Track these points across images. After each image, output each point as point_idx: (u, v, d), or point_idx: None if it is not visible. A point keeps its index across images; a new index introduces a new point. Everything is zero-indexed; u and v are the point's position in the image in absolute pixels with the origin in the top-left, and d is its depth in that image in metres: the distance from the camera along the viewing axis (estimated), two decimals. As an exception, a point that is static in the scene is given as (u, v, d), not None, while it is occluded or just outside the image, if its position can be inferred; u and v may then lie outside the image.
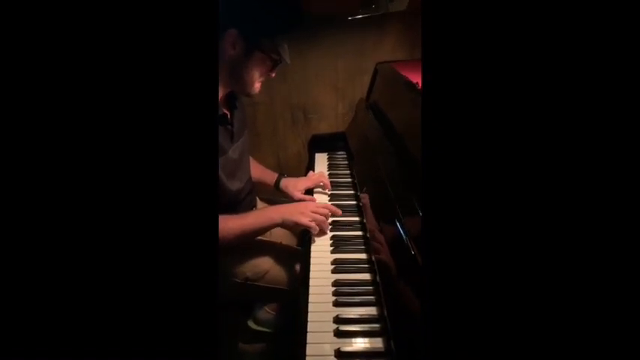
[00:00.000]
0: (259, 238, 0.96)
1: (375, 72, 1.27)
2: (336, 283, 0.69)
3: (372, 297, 0.65)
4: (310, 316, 0.62)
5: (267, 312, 1.18)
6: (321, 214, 0.81)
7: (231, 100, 0.88)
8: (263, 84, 0.81)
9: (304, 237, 0.86)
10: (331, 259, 0.75)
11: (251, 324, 1.19)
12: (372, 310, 0.62)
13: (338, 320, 0.61)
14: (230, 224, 0.77)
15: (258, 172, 1.07)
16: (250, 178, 0.99)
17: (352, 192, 1.03)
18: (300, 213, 0.80)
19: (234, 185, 0.88)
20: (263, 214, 0.81)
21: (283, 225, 0.82)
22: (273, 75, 0.83)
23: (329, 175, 1.15)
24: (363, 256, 0.76)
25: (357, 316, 0.61)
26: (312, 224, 0.79)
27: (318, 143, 1.38)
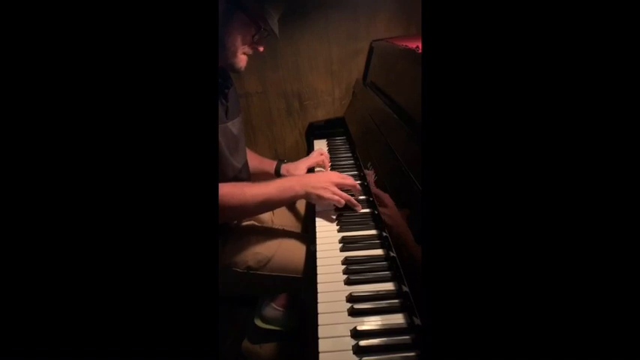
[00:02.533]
0: (261, 224, 0.90)
1: (371, 50, 1.22)
2: (346, 261, 0.63)
3: (386, 272, 0.59)
4: (320, 297, 0.55)
5: (274, 308, 1.12)
6: (347, 185, 0.77)
7: (224, 77, 0.83)
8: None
9: (309, 219, 0.80)
10: (339, 238, 0.70)
11: (258, 322, 1.13)
12: (387, 286, 0.56)
13: (351, 299, 0.54)
14: (251, 191, 0.72)
15: (257, 161, 1.02)
16: (247, 164, 0.94)
17: (356, 172, 0.97)
18: (323, 187, 0.75)
19: (235, 163, 0.83)
20: (286, 185, 0.75)
21: (306, 198, 0.76)
22: (261, 49, 0.78)
23: (330, 159, 1.09)
24: (373, 232, 0.70)
25: (372, 293, 0.55)
26: (336, 198, 0.75)
27: (316, 131, 1.33)
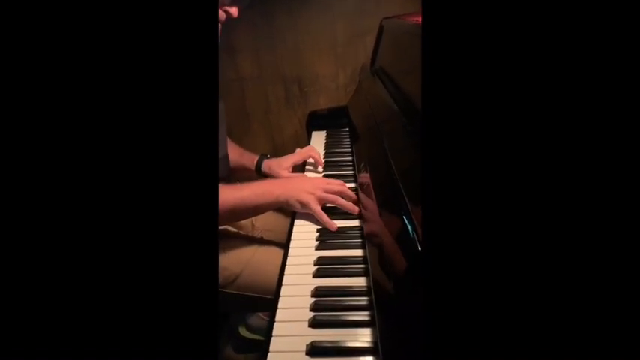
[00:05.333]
0: (232, 229, 0.78)
1: (381, 30, 1.06)
2: (317, 293, 0.49)
3: (365, 313, 0.45)
4: (273, 343, 0.43)
5: (260, 317, 1.04)
6: (335, 193, 0.64)
7: None
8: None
9: (289, 227, 0.68)
10: (314, 258, 0.56)
11: (243, 331, 1.05)
12: (365, 334, 0.43)
13: (312, 350, 0.41)
14: (221, 196, 0.60)
15: (236, 154, 0.89)
16: (226, 158, 0.81)
17: (351, 172, 0.83)
18: (308, 192, 0.63)
19: None
20: (264, 188, 0.64)
21: (287, 205, 0.64)
22: (235, 13, 0.62)
23: (325, 154, 0.95)
24: (358, 252, 0.56)
25: (345, 345, 0.42)
26: (318, 211, 0.62)
27: (317, 121, 1.18)
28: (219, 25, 0.62)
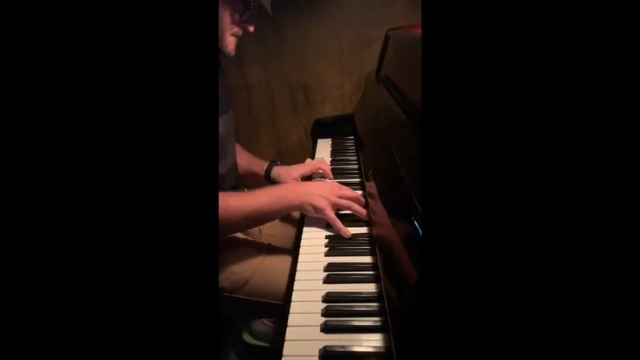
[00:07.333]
0: (240, 235, 0.78)
1: (386, 40, 1.08)
2: (327, 299, 0.50)
3: (376, 319, 0.46)
4: (287, 348, 0.43)
5: (264, 324, 1.03)
6: (349, 198, 0.64)
7: None
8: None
9: (297, 234, 0.68)
10: (324, 265, 0.57)
11: (246, 337, 1.05)
12: (376, 340, 0.44)
13: (326, 355, 0.42)
14: (236, 203, 0.60)
15: (246, 160, 0.90)
16: (235, 167, 0.82)
17: (358, 180, 0.84)
18: (320, 196, 0.63)
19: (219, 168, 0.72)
20: (277, 193, 0.64)
21: (301, 209, 0.65)
22: (252, 29, 0.66)
23: (331, 162, 0.96)
24: (368, 259, 0.57)
25: (356, 349, 0.42)
26: (332, 217, 0.62)
27: (323, 128, 1.19)
28: (235, 39, 0.64)
